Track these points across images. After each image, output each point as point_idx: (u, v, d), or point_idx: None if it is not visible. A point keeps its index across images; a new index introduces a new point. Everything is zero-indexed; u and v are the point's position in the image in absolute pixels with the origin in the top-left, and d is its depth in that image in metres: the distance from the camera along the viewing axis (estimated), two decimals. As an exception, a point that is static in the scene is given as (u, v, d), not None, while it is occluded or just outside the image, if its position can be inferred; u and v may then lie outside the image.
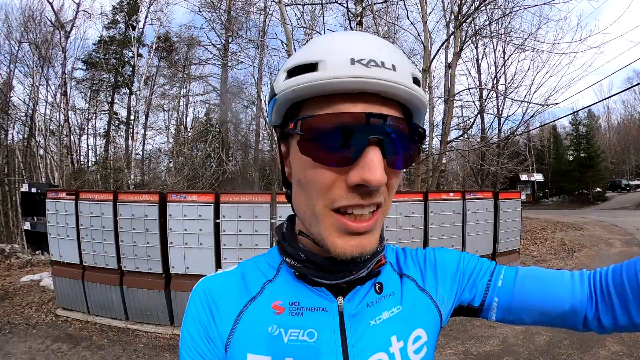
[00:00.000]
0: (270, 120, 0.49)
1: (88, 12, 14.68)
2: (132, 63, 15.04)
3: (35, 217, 6.59)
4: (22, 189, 7.09)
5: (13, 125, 15.68)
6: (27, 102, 15.18)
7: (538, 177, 22.78)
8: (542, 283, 0.55)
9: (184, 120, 16.60)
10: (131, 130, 14.82)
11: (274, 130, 0.47)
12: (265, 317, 0.49)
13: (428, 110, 0.42)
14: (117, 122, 17.01)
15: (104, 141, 16.98)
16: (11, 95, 15.51)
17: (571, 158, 27.87)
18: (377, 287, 0.53)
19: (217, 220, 4.23)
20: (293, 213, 0.54)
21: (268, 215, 4.19)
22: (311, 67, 0.41)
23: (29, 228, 6.85)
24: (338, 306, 0.50)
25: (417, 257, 0.61)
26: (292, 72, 0.42)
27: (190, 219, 4.27)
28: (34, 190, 6.76)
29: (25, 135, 15.49)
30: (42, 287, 6.04)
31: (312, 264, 0.49)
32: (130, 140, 14.63)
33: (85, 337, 4.26)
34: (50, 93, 15.20)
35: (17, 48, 15.48)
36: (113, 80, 17.10)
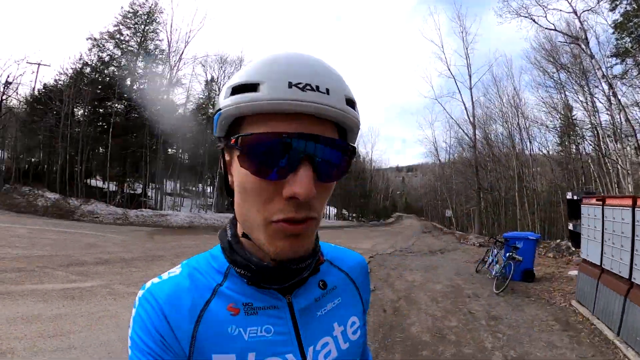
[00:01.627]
0: (214, 132, 0.52)
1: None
2: None
3: (577, 220, 7.38)
4: (567, 197, 8.32)
5: (582, 140, 17.52)
6: (590, 117, 16.23)
7: None
8: None
9: None
10: None
11: (218, 141, 0.53)
12: (223, 319, 0.52)
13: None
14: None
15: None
16: (573, 115, 17.71)
17: None
18: (320, 284, 0.61)
19: None
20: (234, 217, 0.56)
21: None
22: (253, 87, 0.44)
23: (572, 229, 7.87)
24: (288, 303, 0.56)
25: (354, 259, 0.71)
26: (236, 90, 0.46)
27: None
28: (575, 197, 7.80)
29: (594, 147, 16.47)
30: (571, 277, 6.87)
31: (262, 274, 0.52)
32: None
33: (577, 329, 4.46)
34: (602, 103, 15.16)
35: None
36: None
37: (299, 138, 0.44)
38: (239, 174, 0.48)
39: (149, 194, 20.88)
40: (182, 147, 23.93)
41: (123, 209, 15.90)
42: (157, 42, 21.36)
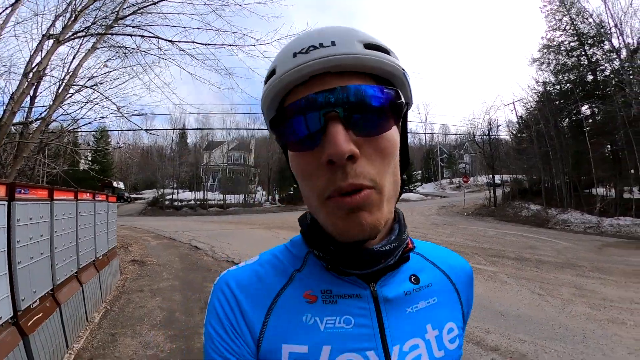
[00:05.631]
0: (268, 128, 0.50)
1: None
2: None
3: None
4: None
5: None
6: None
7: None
8: None
9: None
10: None
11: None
12: (298, 306, 0.48)
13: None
14: None
15: None
16: None
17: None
18: (412, 278, 0.54)
19: None
20: None
21: None
22: (272, 73, 0.45)
23: None
24: (371, 292, 0.49)
25: (457, 261, 0.62)
26: (265, 82, 0.47)
27: None
28: None
29: None
30: None
31: (342, 256, 0.47)
32: None
33: None
34: None
35: None
36: None
37: (315, 97, 0.41)
38: (289, 159, 0.48)
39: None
40: None
41: (598, 217, 14.46)
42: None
